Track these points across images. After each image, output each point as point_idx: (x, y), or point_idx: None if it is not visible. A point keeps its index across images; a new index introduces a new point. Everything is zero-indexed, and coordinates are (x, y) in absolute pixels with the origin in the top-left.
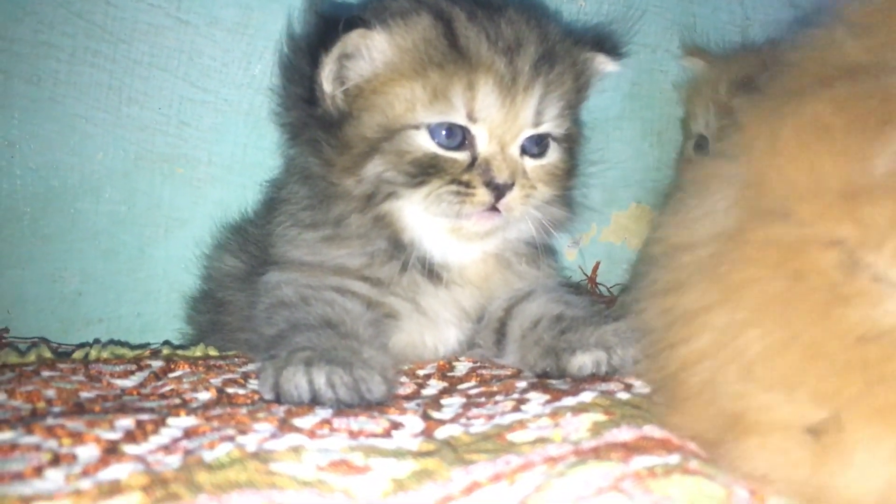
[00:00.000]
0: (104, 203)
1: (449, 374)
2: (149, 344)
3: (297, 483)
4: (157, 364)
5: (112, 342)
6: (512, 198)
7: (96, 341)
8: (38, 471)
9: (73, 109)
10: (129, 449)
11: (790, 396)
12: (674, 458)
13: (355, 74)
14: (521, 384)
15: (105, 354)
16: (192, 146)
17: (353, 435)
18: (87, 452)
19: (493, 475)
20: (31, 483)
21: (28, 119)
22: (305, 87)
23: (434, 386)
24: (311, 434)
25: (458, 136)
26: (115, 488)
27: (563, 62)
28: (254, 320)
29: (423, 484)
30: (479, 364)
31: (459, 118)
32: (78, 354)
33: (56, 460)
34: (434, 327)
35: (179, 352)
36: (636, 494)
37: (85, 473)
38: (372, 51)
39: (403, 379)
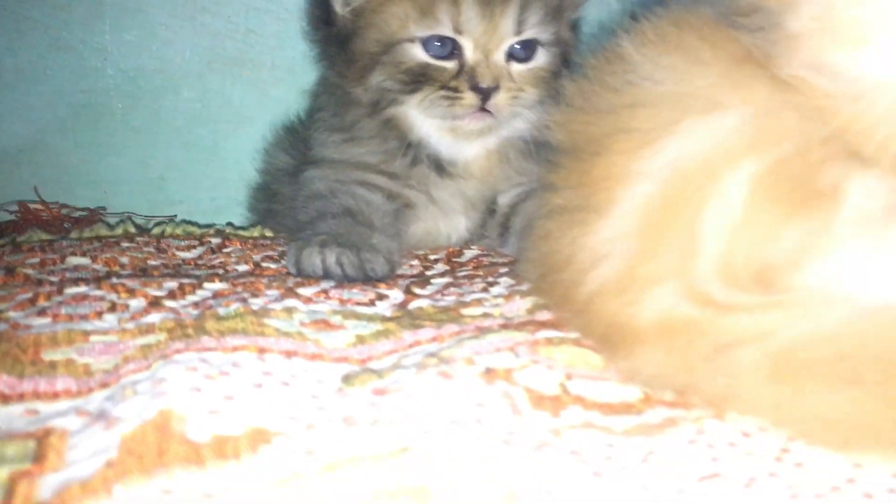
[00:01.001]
0: (182, 101)
1: (455, 259)
2: (214, 224)
3: (280, 333)
4: (215, 241)
5: (185, 221)
6: (498, 99)
7: (171, 218)
8: (99, 315)
9: (155, 18)
10: (167, 303)
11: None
12: (573, 335)
13: None
14: (503, 270)
15: (178, 231)
16: (257, 51)
17: (342, 302)
18: (137, 304)
19: (432, 337)
20: (93, 322)
21: (118, 27)
22: (323, 9)
23: (438, 269)
24: (308, 300)
25: (448, 47)
26: (149, 329)
27: None
28: (293, 209)
29: (380, 341)
30: (484, 253)
31: (447, 31)
32: (156, 231)
33: (113, 308)
34: (445, 216)
35: (239, 232)
36: (523, 354)
37: (132, 318)
38: None
39: (415, 262)
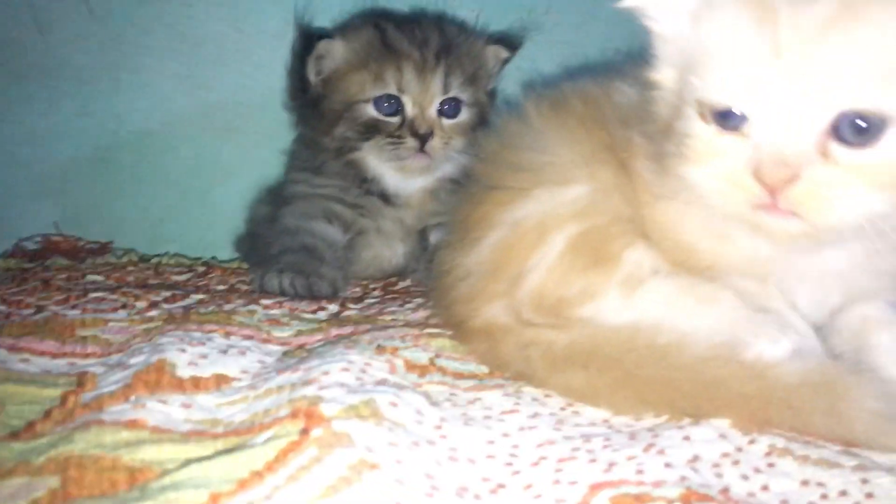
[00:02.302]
0: (180, 158)
1: (391, 287)
2: (200, 257)
3: (243, 324)
4: (201, 269)
5: (178, 255)
6: (434, 144)
7: (167, 252)
8: (115, 310)
9: (161, 91)
10: (164, 305)
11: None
12: (449, 332)
13: (326, 69)
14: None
15: (171, 262)
16: (244, 119)
17: (292, 310)
18: (141, 304)
19: (350, 331)
20: (111, 314)
21: (130, 98)
22: (300, 81)
23: (374, 294)
24: (266, 307)
25: (394, 106)
26: (151, 319)
27: (461, 50)
28: (267, 246)
29: (314, 334)
30: (413, 285)
31: (393, 90)
32: (154, 260)
33: (124, 306)
34: (388, 243)
35: (222, 264)
36: (408, 340)
37: (138, 313)
38: (334, 53)
39: (357, 289)
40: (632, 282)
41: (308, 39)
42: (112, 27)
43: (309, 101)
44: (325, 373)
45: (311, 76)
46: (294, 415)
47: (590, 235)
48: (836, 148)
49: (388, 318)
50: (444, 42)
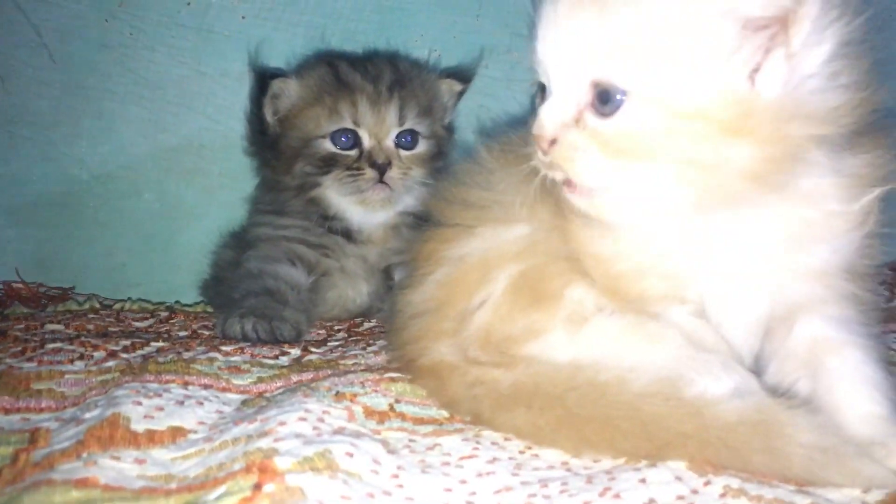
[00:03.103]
0: (143, 202)
1: (355, 329)
2: (164, 302)
3: (202, 373)
4: (164, 314)
5: (141, 300)
6: (392, 174)
7: (129, 298)
8: (72, 361)
9: (123, 136)
10: (123, 354)
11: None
12: (409, 376)
13: (283, 107)
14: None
15: (134, 307)
16: (207, 163)
17: (253, 356)
18: (99, 355)
19: (311, 377)
20: (67, 366)
21: (93, 142)
22: (259, 122)
23: (338, 336)
24: (227, 354)
25: (351, 140)
26: (107, 370)
27: (414, 83)
28: (231, 289)
29: (275, 381)
30: (378, 325)
31: (348, 124)
32: (117, 306)
33: (81, 357)
34: (352, 282)
35: (185, 308)
36: (368, 386)
37: (95, 364)
38: (289, 91)
39: (321, 331)
40: (576, 319)
41: (263, 79)
42: (73, 74)
43: (268, 142)
44: (282, 423)
45: (269, 116)
46: (248, 469)
47: (531, 274)
48: (589, 117)
49: (350, 361)
50: (396, 76)
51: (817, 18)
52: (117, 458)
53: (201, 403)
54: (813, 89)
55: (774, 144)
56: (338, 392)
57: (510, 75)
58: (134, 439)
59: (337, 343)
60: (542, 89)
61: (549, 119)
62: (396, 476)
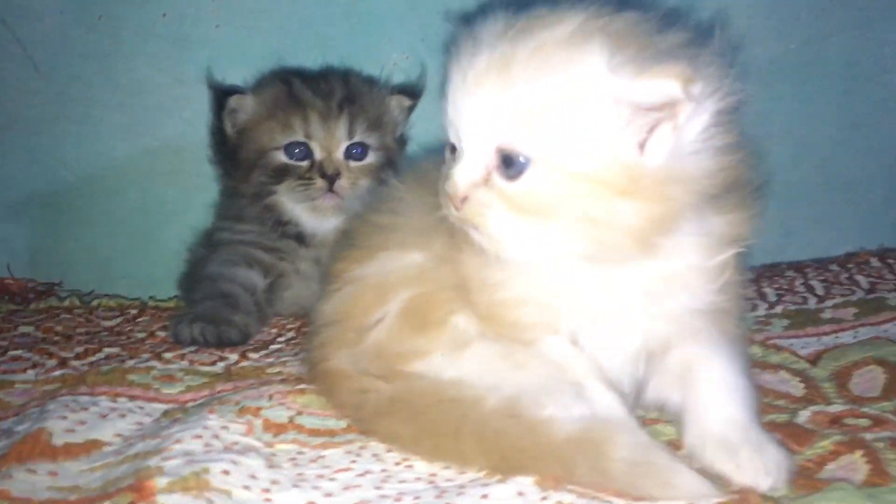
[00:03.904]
0: (127, 201)
1: (305, 327)
2: (139, 297)
3: (133, 384)
4: (134, 312)
5: (118, 296)
6: (342, 184)
7: (106, 294)
8: (24, 370)
9: (107, 139)
10: (72, 363)
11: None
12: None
13: (240, 121)
14: None
15: (111, 303)
16: (187, 164)
17: (191, 363)
18: (51, 362)
19: (232, 387)
20: (19, 375)
21: (78, 145)
22: (220, 134)
23: (287, 335)
24: (165, 361)
25: (303, 152)
26: (55, 380)
27: (364, 99)
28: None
29: (201, 390)
30: None
31: (300, 137)
32: (94, 303)
33: (34, 366)
34: (306, 283)
35: (160, 303)
36: (274, 399)
37: (45, 372)
38: (246, 107)
39: (273, 330)
40: (458, 344)
41: (220, 96)
42: (57, 83)
43: (228, 152)
44: (178, 441)
45: (228, 129)
46: (130, 487)
47: (421, 300)
48: (496, 178)
49: (277, 370)
50: (347, 92)
51: (700, 96)
52: (33, 472)
53: (124, 416)
54: (691, 154)
55: (658, 204)
56: (243, 406)
57: None
58: (52, 453)
59: (278, 346)
60: (452, 148)
61: (461, 179)
62: (268, 490)
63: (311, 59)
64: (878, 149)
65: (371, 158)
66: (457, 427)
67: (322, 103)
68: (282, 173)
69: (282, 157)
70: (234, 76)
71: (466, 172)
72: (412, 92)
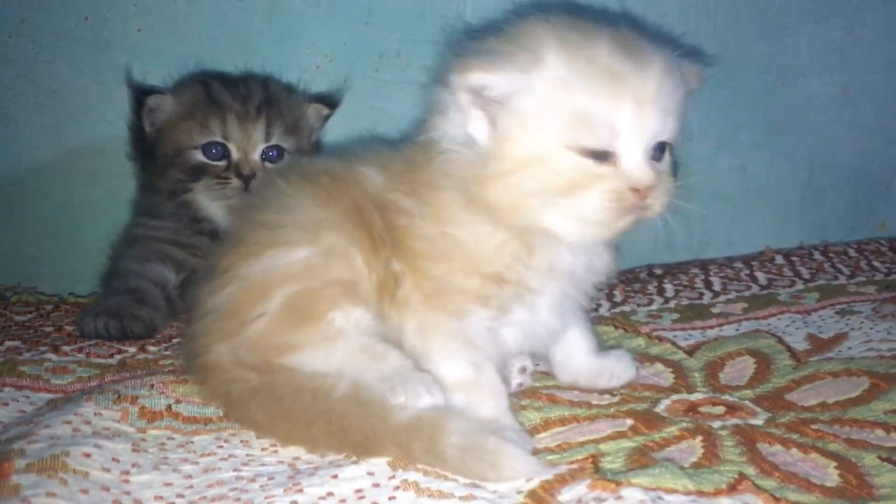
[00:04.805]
0: (50, 200)
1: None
2: (58, 294)
3: (24, 375)
4: (49, 307)
5: (38, 292)
6: (256, 183)
7: (27, 290)
8: None
9: (27, 141)
10: None
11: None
12: None
13: (159, 120)
14: None
15: (31, 299)
16: (108, 164)
17: (88, 355)
18: None
19: (119, 378)
20: None
21: (2, 149)
22: (138, 131)
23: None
24: (63, 354)
25: (220, 152)
26: None
27: (282, 105)
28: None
29: (91, 381)
30: None
31: (218, 138)
32: (14, 298)
33: None
34: None
35: (79, 300)
36: (154, 388)
37: None
38: (164, 106)
39: (181, 323)
40: (330, 338)
41: (140, 95)
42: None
43: (146, 149)
44: (46, 426)
45: (147, 127)
46: None
47: (302, 295)
48: (654, 164)
49: (169, 362)
50: (266, 96)
51: None
52: None
53: (7, 404)
54: None
55: None
56: (120, 395)
57: (400, 78)
58: None
59: (179, 340)
60: (595, 154)
61: (650, 172)
62: (127, 472)
63: (232, 64)
64: (794, 151)
65: (286, 161)
66: (307, 413)
67: (240, 106)
68: (199, 172)
69: (199, 157)
70: (155, 79)
71: (650, 165)
72: (330, 102)
